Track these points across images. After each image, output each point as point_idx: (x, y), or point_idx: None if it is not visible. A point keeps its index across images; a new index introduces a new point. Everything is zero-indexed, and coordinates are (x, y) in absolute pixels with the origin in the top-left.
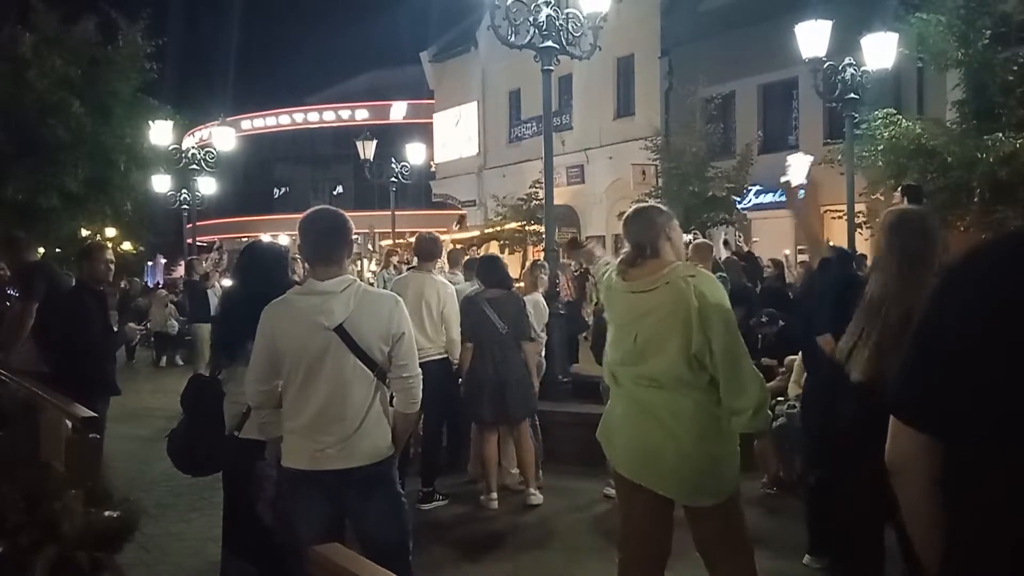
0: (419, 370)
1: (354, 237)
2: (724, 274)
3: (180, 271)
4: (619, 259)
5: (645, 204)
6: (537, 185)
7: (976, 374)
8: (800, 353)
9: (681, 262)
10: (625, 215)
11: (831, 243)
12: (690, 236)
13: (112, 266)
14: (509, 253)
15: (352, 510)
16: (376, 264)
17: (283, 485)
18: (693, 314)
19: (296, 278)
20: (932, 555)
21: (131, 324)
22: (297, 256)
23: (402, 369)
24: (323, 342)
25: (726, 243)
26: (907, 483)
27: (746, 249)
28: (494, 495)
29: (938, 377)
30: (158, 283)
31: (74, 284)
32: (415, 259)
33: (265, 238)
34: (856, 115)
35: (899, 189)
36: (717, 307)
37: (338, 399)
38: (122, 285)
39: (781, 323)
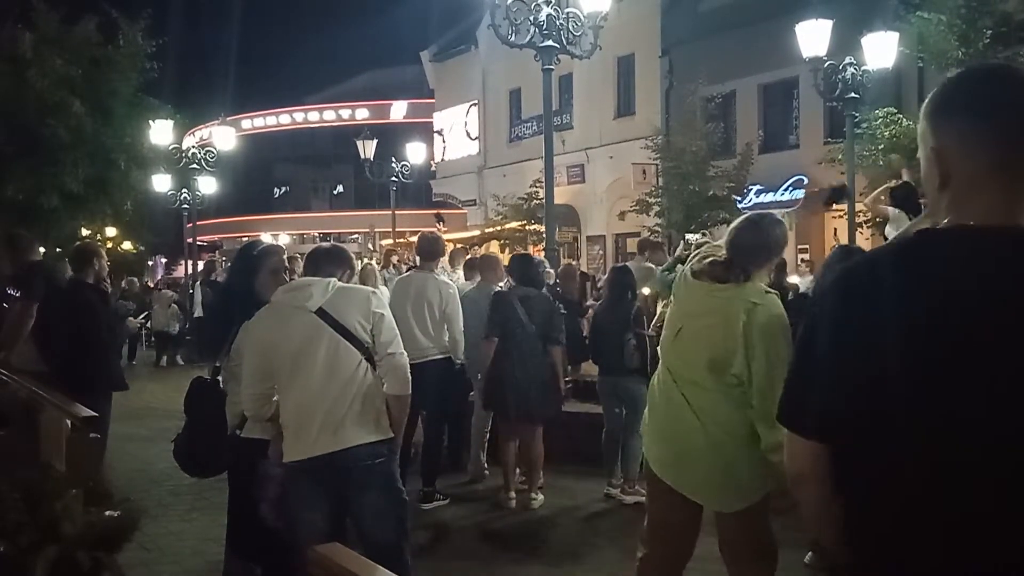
0: (404, 350)
1: (346, 271)
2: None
3: (180, 271)
4: (707, 262)
5: (765, 219)
6: (537, 184)
7: (868, 383)
8: None
9: (757, 284)
10: (740, 222)
11: (838, 242)
12: (696, 236)
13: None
14: (509, 252)
15: (351, 503)
16: (376, 264)
17: (285, 483)
18: (738, 336)
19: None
20: (838, 551)
21: (131, 319)
22: (298, 256)
23: (386, 347)
24: (307, 325)
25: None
26: (803, 489)
27: None
28: (512, 494)
29: (827, 388)
30: (157, 282)
31: (72, 282)
32: (417, 259)
33: (265, 238)
34: (857, 114)
35: (890, 193)
36: (767, 336)
37: (327, 380)
38: (123, 285)
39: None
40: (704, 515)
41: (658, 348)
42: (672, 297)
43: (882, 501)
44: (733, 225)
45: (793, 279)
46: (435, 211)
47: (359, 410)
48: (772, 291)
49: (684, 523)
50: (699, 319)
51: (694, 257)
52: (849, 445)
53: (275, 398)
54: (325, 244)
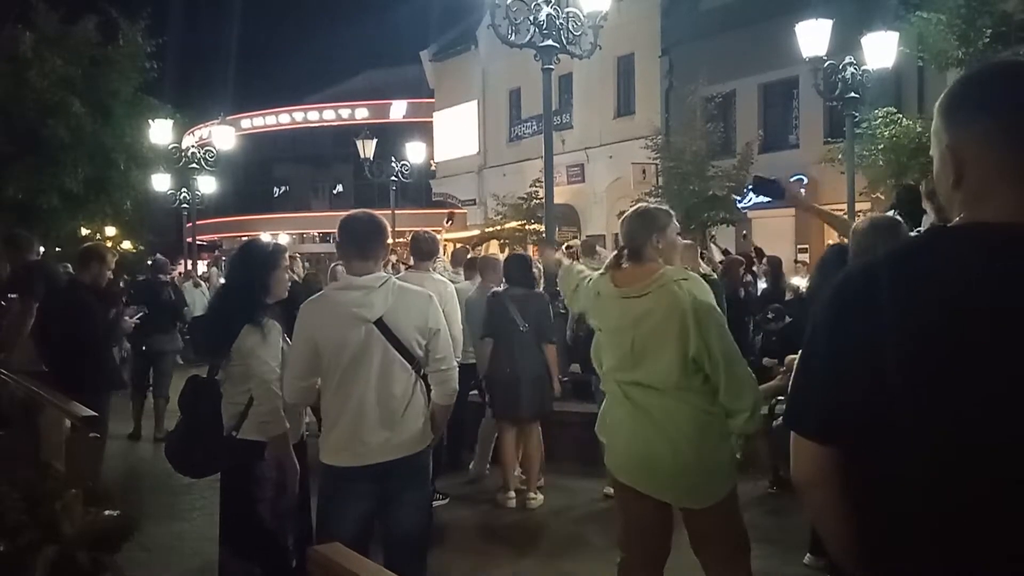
0: (455, 363)
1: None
2: (715, 277)
3: (180, 270)
4: (607, 264)
5: (647, 205)
6: (537, 184)
7: (876, 383)
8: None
9: (672, 266)
10: (625, 214)
11: (831, 241)
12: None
13: (110, 273)
14: (509, 252)
15: (388, 500)
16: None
17: (326, 483)
18: (689, 317)
19: (296, 277)
20: (848, 559)
21: (127, 317)
22: (297, 256)
23: (440, 362)
24: (364, 336)
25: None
26: (816, 496)
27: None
28: (511, 493)
29: (833, 389)
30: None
31: (68, 283)
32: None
33: (265, 237)
34: (856, 114)
35: (896, 193)
36: (710, 310)
37: (379, 393)
38: (121, 285)
39: (788, 319)
40: (677, 512)
41: (597, 365)
42: (596, 318)
43: (884, 504)
44: (622, 220)
45: (795, 280)
46: (447, 211)
47: (410, 422)
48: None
49: (656, 524)
50: (645, 323)
51: (585, 280)
52: (858, 448)
53: (317, 387)
54: (359, 213)
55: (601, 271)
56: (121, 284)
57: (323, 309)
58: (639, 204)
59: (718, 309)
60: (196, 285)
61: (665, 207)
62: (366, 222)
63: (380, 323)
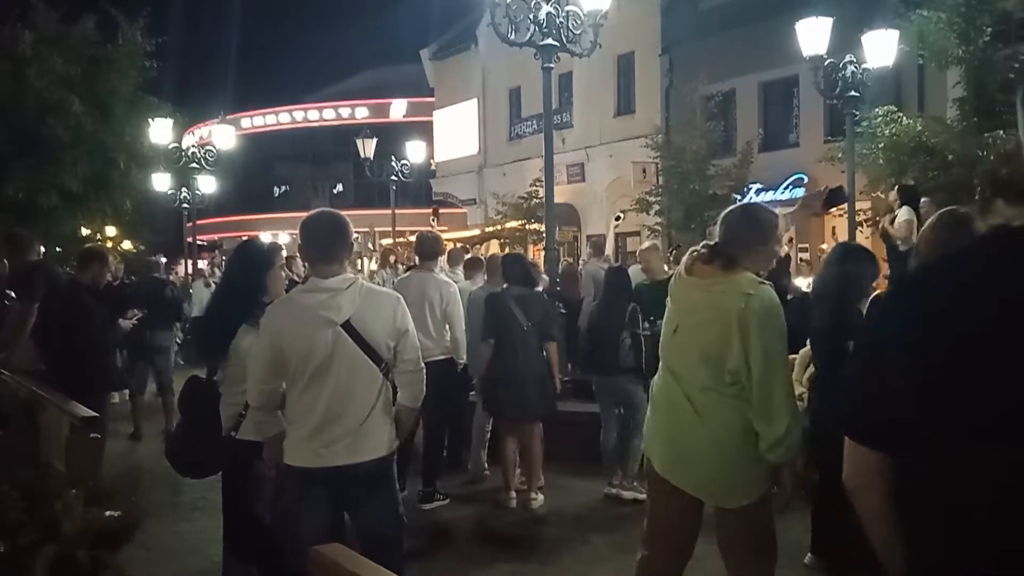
0: (423, 364)
1: (354, 238)
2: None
3: (180, 270)
4: (693, 253)
5: (757, 207)
6: (537, 183)
7: (928, 389)
8: (801, 352)
9: (749, 274)
10: (731, 209)
11: (837, 240)
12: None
13: (109, 274)
14: (509, 251)
15: (353, 504)
16: (375, 263)
17: (288, 483)
18: (733, 330)
19: (295, 276)
20: (894, 563)
21: (122, 321)
22: (296, 255)
23: (408, 364)
24: (331, 338)
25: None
26: (864, 499)
27: None
28: (512, 493)
29: (886, 393)
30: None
31: (69, 283)
32: (416, 258)
33: (265, 237)
34: (857, 113)
35: (895, 189)
36: (763, 328)
37: (345, 395)
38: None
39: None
40: (704, 515)
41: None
42: (669, 296)
43: (912, 505)
44: (724, 212)
45: (797, 281)
46: (431, 209)
47: (374, 425)
48: (766, 282)
49: (685, 523)
50: (693, 315)
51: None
52: (914, 454)
53: (281, 390)
54: (319, 213)
55: (687, 257)
56: (125, 281)
57: (289, 312)
58: (747, 204)
59: (775, 330)
60: (207, 285)
61: (775, 210)
62: (327, 223)
63: (348, 325)
